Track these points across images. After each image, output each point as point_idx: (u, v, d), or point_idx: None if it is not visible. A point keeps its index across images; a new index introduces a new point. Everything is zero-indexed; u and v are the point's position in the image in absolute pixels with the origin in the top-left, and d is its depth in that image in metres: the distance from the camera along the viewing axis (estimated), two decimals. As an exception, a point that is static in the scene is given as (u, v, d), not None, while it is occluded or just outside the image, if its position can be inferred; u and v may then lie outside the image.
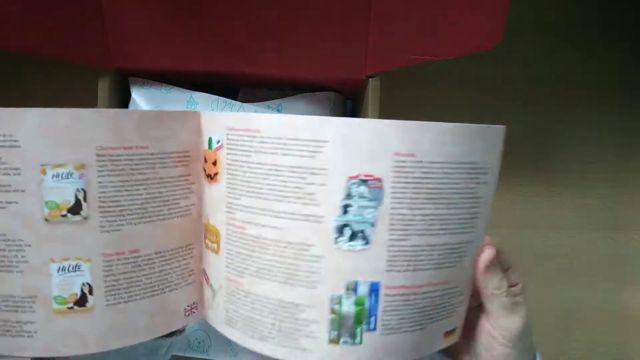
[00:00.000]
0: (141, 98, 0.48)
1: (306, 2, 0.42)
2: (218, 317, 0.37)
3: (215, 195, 0.36)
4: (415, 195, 0.31)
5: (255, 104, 0.50)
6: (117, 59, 0.44)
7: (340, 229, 0.32)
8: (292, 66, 0.46)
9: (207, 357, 0.50)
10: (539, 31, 0.64)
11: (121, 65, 0.45)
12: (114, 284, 0.34)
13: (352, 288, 0.32)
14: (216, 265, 0.37)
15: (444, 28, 0.43)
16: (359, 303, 0.32)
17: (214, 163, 0.35)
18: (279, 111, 0.50)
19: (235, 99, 0.50)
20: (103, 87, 0.45)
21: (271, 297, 0.33)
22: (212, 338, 0.50)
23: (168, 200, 0.35)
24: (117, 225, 0.33)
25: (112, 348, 0.34)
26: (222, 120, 0.34)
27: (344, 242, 0.32)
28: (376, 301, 0.32)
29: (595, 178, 0.66)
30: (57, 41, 0.42)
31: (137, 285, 0.35)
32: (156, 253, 0.35)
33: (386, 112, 0.47)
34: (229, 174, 0.34)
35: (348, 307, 0.32)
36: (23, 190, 0.31)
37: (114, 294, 0.34)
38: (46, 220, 0.32)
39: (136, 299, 0.35)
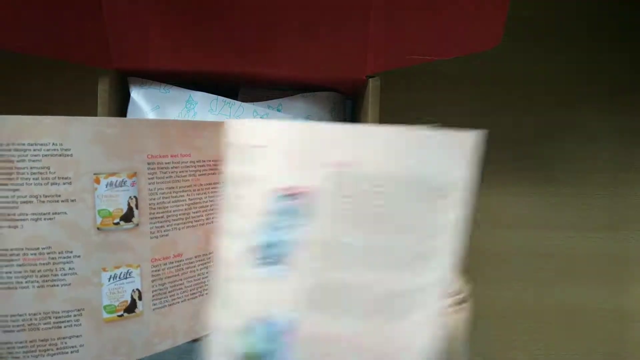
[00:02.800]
0: (140, 98, 0.48)
1: (306, 2, 0.42)
2: None
3: None
4: (352, 215, 0.24)
5: (255, 103, 0.50)
6: (117, 59, 0.45)
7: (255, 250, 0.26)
8: (293, 66, 0.46)
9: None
10: (539, 31, 0.64)
11: (121, 65, 0.45)
12: (160, 288, 0.35)
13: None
14: None
15: (444, 28, 0.43)
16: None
17: None
18: (279, 111, 0.50)
19: (235, 99, 0.50)
20: (103, 87, 0.45)
21: None
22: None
23: (206, 206, 0.37)
24: (165, 231, 0.35)
25: (156, 352, 0.36)
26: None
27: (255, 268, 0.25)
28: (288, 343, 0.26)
29: (595, 178, 0.67)
30: (57, 41, 0.42)
31: (180, 289, 0.36)
32: (196, 257, 0.37)
33: (386, 112, 0.48)
34: None
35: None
36: (73, 200, 0.31)
37: (160, 298, 0.35)
38: (98, 229, 0.32)
39: (179, 302, 0.36)
